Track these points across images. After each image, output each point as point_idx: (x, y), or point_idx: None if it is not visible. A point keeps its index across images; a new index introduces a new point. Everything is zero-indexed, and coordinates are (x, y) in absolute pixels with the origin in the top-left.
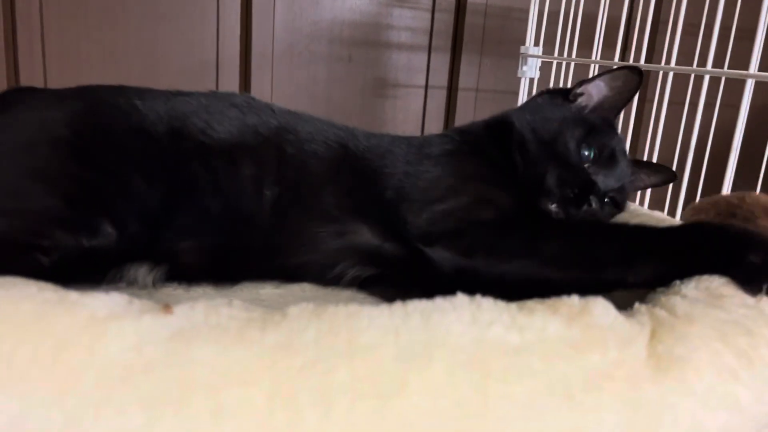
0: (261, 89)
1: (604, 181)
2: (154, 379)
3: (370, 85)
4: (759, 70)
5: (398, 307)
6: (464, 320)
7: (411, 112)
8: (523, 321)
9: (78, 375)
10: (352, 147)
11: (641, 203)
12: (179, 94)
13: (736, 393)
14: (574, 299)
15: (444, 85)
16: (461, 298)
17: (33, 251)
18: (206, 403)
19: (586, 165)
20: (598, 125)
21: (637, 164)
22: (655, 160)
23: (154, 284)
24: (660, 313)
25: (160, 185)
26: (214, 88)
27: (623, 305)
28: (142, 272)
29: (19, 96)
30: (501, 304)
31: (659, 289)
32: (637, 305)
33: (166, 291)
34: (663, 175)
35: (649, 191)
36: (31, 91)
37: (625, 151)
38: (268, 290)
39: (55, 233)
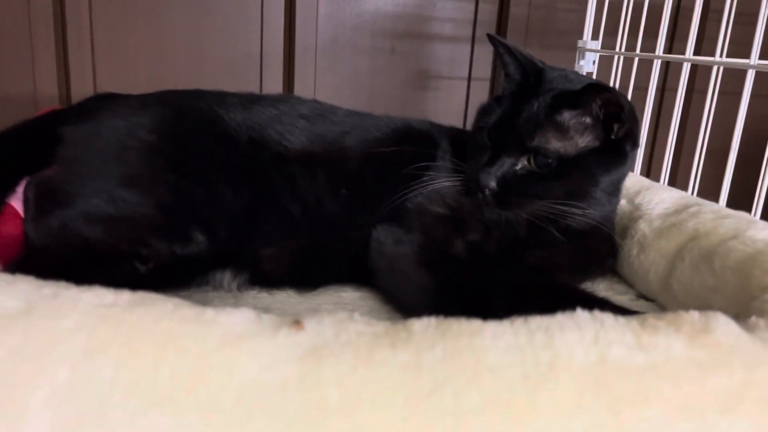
0: (304, 82)
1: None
2: (290, 399)
3: (412, 77)
4: None
5: (520, 324)
6: (587, 339)
7: (453, 104)
8: (647, 340)
9: (218, 396)
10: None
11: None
12: (252, 100)
13: None
14: (694, 315)
15: (487, 77)
16: (583, 314)
17: (132, 259)
18: (342, 425)
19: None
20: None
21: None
22: (703, 153)
23: (239, 289)
24: None
25: (244, 192)
26: (258, 81)
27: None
28: (227, 278)
29: (101, 103)
30: (622, 321)
31: (765, 296)
32: (753, 319)
33: (250, 295)
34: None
35: (726, 183)
36: (112, 97)
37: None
38: (350, 293)
39: (151, 241)
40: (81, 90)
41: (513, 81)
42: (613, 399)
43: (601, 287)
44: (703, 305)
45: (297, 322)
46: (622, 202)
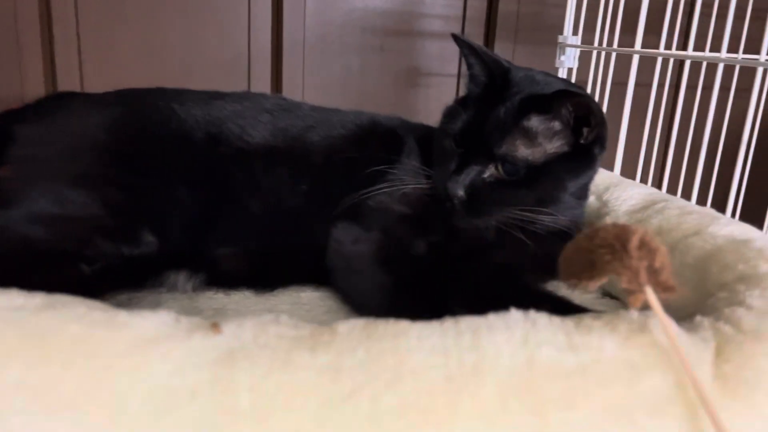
0: (293, 80)
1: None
2: (200, 405)
3: (402, 74)
4: None
5: (450, 325)
6: (516, 340)
7: (443, 101)
8: (579, 341)
9: (125, 401)
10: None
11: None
12: (214, 96)
13: None
14: (633, 315)
15: None
16: (515, 315)
17: (77, 261)
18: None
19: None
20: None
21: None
22: (689, 147)
23: (194, 290)
24: (725, 328)
25: (201, 190)
26: (246, 79)
27: (680, 315)
28: (182, 279)
29: (58, 102)
30: (557, 322)
31: (720, 295)
32: (698, 318)
33: (206, 296)
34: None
35: (698, 178)
36: (71, 96)
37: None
38: (309, 293)
39: (97, 242)
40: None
41: (478, 82)
42: (539, 402)
43: (565, 285)
44: (662, 303)
45: (215, 326)
46: (591, 198)
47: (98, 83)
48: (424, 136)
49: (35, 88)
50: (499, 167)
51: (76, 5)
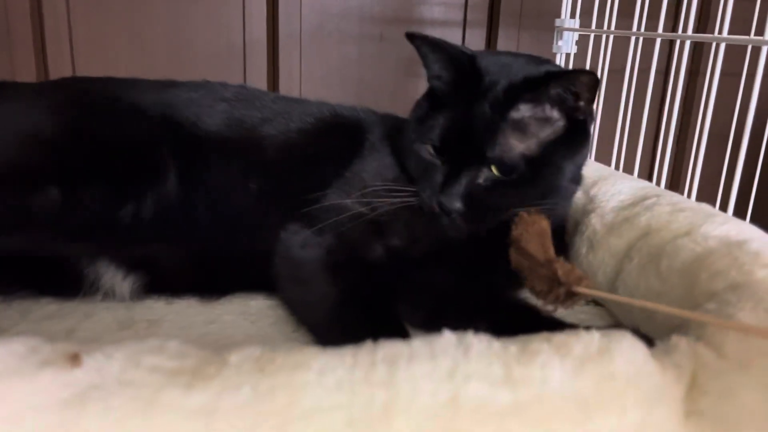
0: (290, 71)
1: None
2: None
3: (403, 63)
4: None
5: (365, 354)
6: (440, 373)
7: None
8: (520, 372)
9: None
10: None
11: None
12: (170, 84)
13: None
14: (594, 336)
15: None
16: (447, 339)
17: None
18: None
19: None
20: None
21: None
22: (706, 138)
23: (132, 297)
24: (704, 351)
25: (141, 171)
26: (242, 71)
27: (661, 331)
28: (118, 280)
29: None
30: (496, 348)
31: (708, 307)
32: (674, 338)
33: (145, 304)
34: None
35: (699, 170)
36: (4, 86)
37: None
38: (259, 301)
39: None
40: None
41: (444, 80)
42: None
43: None
44: (647, 314)
45: (75, 357)
46: (578, 193)
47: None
48: (393, 128)
49: (28, 81)
50: (494, 169)
51: None
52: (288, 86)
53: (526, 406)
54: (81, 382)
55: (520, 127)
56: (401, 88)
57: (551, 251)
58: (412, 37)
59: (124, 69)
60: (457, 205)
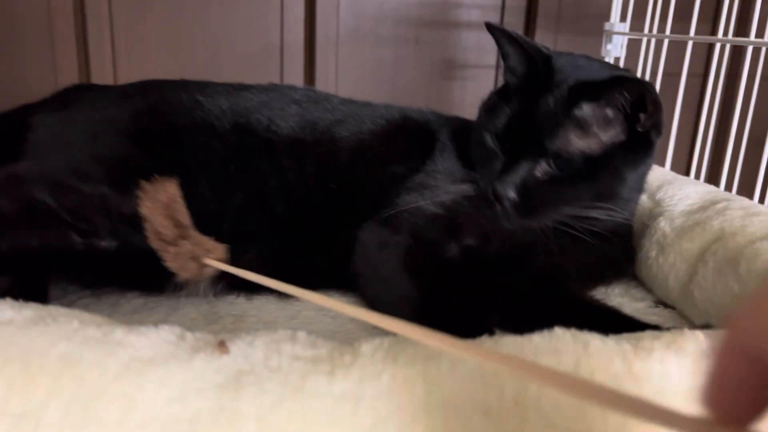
0: (326, 74)
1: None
2: None
3: (438, 66)
4: None
5: (490, 347)
6: (565, 368)
7: (481, 93)
8: (640, 367)
9: None
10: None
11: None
12: (241, 88)
13: None
14: (699, 335)
15: None
16: (563, 336)
17: (67, 228)
18: None
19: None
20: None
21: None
22: (745, 141)
23: (215, 295)
24: None
25: (224, 185)
26: (279, 73)
27: None
28: (204, 284)
29: (77, 93)
30: (611, 344)
31: None
32: None
33: (227, 300)
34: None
35: (761, 176)
36: (90, 87)
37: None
38: (336, 299)
39: (96, 219)
40: (102, 84)
41: (517, 73)
42: None
43: (616, 292)
44: (726, 315)
45: (222, 344)
46: (643, 197)
47: (131, 77)
48: (460, 130)
49: (69, 83)
50: (551, 163)
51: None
52: (324, 88)
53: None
54: (230, 368)
55: (582, 125)
56: (436, 92)
57: (184, 219)
58: (491, 28)
59: (164, 71)
60: (511, 193)
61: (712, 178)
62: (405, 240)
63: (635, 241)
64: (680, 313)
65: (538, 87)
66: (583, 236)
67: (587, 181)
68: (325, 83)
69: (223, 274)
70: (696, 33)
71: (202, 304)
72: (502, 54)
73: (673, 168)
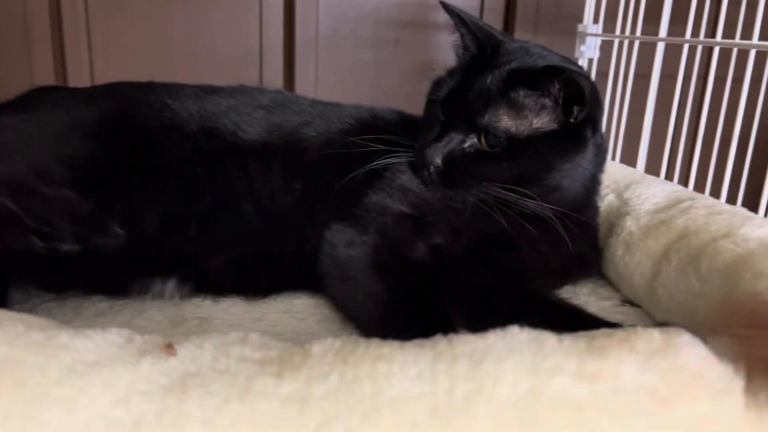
0: (306, 76)
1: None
2: None
3: (418, 68)
4: None
5: (444, 347)
6: (522, 367)
7: None
8: (593, 366)
9: None
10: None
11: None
12: (209, 91)
13: None
14: (654, 333)
15: None
16: (519, 335)
17: (29, 232)
18: None
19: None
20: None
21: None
22: (717, 141)
23: (182, 297)
24: (756, 348)
25: (192, 189)
26: (258, 75)
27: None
28: (170, 287)
29: (43, 95)
30: (567, 344)
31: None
32: (724, 336)
33: (193, 303)
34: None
35: (728, 175)
36: (56, 89)
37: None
38: (303, 300)
39: (58, 221)
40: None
41: (468, 53)
42: None
43: (584, 291)
44: (688, 313)
45: (169, 347)
46: (611, 196)
47: (108, 79)
48: None
49: (45, 83)
50: (482, 138)
51: (87, 1)
52: (304, 90)
53: (602, 399)
54: (177, 370)
55: (515, 107)
56: (416, 93)
57: None
58: (447, 9)
59: (142, 73)
60: (437, 160)
61: (683, 180)
62: (373, 239)
63: (603, 240)
64: (645, 311)
65: (483, 67)
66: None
67: (509, 161)
68: (304, 85)
69: (190, 277)
70: (672, 35)
71: (168, 306)
72: (459, 33)
73: (648, 170)
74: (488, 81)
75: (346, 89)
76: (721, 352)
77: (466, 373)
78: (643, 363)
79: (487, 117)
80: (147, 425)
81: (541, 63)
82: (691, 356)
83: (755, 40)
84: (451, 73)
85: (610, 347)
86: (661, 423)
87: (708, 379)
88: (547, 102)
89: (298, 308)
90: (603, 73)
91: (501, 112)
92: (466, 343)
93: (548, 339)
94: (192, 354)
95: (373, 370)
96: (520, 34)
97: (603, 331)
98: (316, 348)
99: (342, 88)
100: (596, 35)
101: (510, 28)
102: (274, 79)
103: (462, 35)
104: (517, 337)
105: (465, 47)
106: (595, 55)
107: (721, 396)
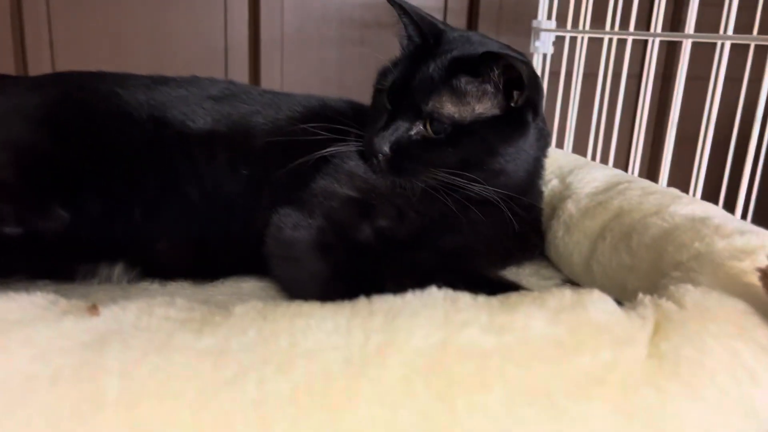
0: (271, 75)
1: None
2: (61, 392)
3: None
4: None
5: (363, 305)
6: (435, 321)
7: None
8: (503, 320)
9: None
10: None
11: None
12: (160, 82)
13: (753, 397)
14: (566, 292)
15: None
16: (435, 293)
17: None
18: (119, 420)
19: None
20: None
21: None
22: (670, 137)
23: (129, 281)
24: (667, 305)
25: (137, 172)
26: (223, 74)
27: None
28: (117, 271)
29: None
30: (481, 301)
31: (674, 275)
32: (640, 296)
33: (140, 287)
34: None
35: (667, 168)
36: (1, 78)
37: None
38: (251, 283)
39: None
40: None
41: (412, 43)
42: (447, 385)
43: (527, 272)
44: (619, 287)
45: (94, 308)
46: (554, 182)
47: None
48: None
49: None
50: (428, 125)
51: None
52: (269, 88)
53: (508, 348)
54: (99, 328)
55: (458, 93)
56: None
57: None
58: (391, 0)
59: (103, 67)
60: (385, 148)
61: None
62: (318, 222)
63: (545, 223)
64: (583, 288)
65: (425, 56)
66: (481, 208)
67: (454, 147)
68: (270, 84)
69: (137, 261)
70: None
71: (116, 290)
72: (403, 23)
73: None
74: (431, 69)
75: (312, 88)
76: (634, 310)
77: (381, 327)
78: (552, 317)
79: (431, 104)
80: (64, 379)
81: (481, 50)
82: (598, 311)
83: (690, 30)
84: (396, 62)
85: (522, 303)
86: (564, 368)
87: (612, 331)
88: (488, 88)
89: (246, 291)
90: (557, 70)
91: (444, 99)
92: (384, 301)
93: (463, 297)
94: (115, 314)
95: (290, 326)
96: (484, 33)
97: (521, 292)
98: (239, 308)
99: (307, 87)
100: (549, 30)
101: (473, 28)
102: (240, 78)
103: (405, 26)
104: (433, 295)
105: (409, 37)
106: (549, 50)
107: (624, 346)
